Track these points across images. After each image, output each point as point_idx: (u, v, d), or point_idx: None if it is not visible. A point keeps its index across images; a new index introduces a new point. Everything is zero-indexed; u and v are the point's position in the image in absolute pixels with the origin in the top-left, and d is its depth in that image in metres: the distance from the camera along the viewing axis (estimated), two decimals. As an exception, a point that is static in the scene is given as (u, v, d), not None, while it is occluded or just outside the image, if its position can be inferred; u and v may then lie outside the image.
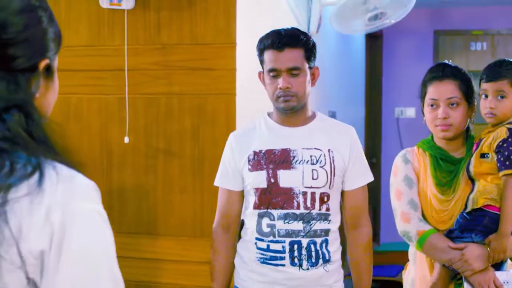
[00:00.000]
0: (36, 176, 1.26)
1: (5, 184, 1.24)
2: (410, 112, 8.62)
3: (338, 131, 3.18)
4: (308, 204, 3.04)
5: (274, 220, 3.06)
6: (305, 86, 3.06)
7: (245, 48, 4.00)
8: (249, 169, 3.11)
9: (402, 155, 3.24)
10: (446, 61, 3.24)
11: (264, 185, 3.07)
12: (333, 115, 6.22)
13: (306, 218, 3.04)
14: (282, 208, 3.04)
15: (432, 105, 3.11)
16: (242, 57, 3.96)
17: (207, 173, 3.94)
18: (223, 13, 3.93)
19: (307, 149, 3.08)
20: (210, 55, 3.96)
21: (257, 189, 3.09)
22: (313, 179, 3.05)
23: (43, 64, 1.39)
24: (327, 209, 3.07)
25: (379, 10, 4.77)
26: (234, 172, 3.17)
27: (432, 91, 3.12)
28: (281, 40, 3.04)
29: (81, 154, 4.08)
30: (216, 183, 3.24)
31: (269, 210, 3.07)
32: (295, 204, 3.04)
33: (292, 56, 3.03)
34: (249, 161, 3.12)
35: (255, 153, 3.11)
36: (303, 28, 4.85)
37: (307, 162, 3.06)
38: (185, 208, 4.03)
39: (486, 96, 3.05)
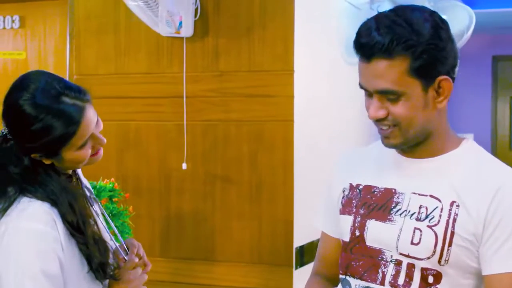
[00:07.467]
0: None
1: None
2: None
3: (482, 175, 1.93)
4: (399, 281, 1.93)
5: None
6: (412, 112, 1.92)
7: (303, 75, 3.99)
8: (340, 210, 2.12)
9: None
10: None
11: (346, 237, 2.07)
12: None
13: None
14: (361, 278, 2.01)
15: None
16: (300, 84, 3.96)
17: (265, 199, 3.93)
18: (281, 40, 3.94)
19: (418, 194, 1.95)
20: (268, 82, 3.96)
21: (342, 242, 2.11)
22: (412, 243, 1.91)
23: (33, 156, 2.13)
24: None
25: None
26: (331, 209, 2.18)
27: None
28: (369, 42, 1.86)
29: (140, 180, 4.14)
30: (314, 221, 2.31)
31: (347, 277, 2.06)
32: (379, 276, 1.96)
33: (382, 71, 1.87)
34: (343, 197, 2.12)
35: (351, 187, 2.10)
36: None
37: (412, 215, 1.94)
38: (242, 235, 4.02)
39: None
